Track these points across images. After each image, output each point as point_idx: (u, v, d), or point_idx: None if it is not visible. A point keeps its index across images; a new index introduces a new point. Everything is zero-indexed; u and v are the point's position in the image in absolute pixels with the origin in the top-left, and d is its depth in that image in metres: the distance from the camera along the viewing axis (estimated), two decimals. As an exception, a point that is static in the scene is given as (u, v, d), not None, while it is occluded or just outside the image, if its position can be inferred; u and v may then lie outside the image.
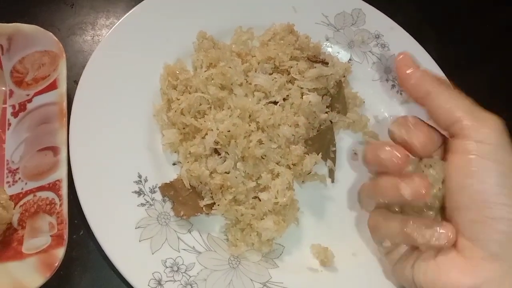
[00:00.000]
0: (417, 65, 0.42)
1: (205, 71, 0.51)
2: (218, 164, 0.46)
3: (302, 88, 0.52)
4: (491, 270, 0.35)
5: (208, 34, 0.56)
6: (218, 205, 0.46)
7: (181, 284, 0.42)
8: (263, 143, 0.47)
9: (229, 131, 0.46)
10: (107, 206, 0.44)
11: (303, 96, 0.51)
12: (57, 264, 0.40)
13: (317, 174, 0.51)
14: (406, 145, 0.40)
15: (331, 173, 0.52)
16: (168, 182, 0.47)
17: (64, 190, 0.43)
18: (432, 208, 0.40)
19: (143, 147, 0.49)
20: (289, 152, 0.49)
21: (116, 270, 0.42)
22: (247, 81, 0.51)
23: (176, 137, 0.49)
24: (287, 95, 0.51)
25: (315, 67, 0.53)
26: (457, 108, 0.38)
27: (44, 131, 0.47)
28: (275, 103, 0.50)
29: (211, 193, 0.47)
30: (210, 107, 0.49)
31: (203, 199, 0.47)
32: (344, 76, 0.56)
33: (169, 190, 0.47)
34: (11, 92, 0.51)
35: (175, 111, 0.49)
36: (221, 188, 0.46)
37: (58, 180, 0.44)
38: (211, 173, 0.46)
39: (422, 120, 0.41)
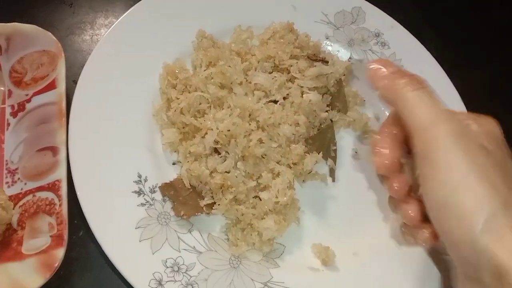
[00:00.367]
0: (390, 65, 0.43)
1: (204, 70, 0.51)
2: (218, 164, 0.46)
3: (302, 87, 0.51)
4: None
5: (208, 33, 0.56)
6: (219, 204, 0.46)
7: (182, 284, 0.42)
8: (263, 142, 0.47)
9: (229, 130, 0.46)
10: (107, 206, 0.44)
11: (303, 95, 0.51)
12: (57, 264, 0.40)
13: (318, 173, 0.51)
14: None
15: (332, 172, 0.52)
16: (168, 181, 0.47)
17: (63, 190, 0.43)
18: None
19: (142, 147, 0.48)
20: (290, 151, 0.49)
21: (116, 270, 0.42)
22: (247, 80, 0.51)
23: (176, 136, 0.49)
24: (287, 94, 0.51)
25: (315, 66, 0.53)
26: (417, 120, 0.39)
27: (43, 131, 0.47)
28: (275, 102, 0.50)
29: (211, 193, 0.47)
30: (210, 106, 0.49)
31: (203, 199, 0.46)
32: (344, 75, 0.56)
33: (169, 189, 0.47)
34: (10, 92, 0.51)
35: (175, 111, 0.49)
36: (221, 188, 0.46)
37: (57, 180, 0.44)
38: (211, 172, 0.46)
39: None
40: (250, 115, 0.48)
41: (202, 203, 0.46)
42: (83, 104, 0.48)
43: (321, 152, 0.50)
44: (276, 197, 0.46)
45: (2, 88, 0.51)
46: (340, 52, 0.60)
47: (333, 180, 0.52)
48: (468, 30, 0.70)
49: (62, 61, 0.48)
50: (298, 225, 0.49)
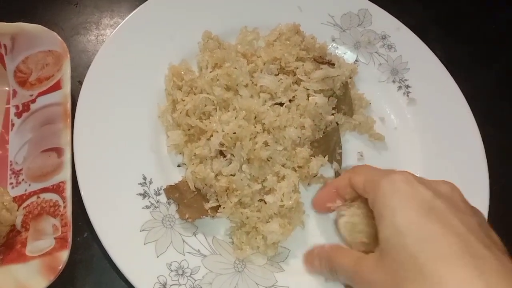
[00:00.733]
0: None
1: (210, 71, 0.51)
2: (224, 166, 0.46)
3: (308, 89, 0.51)
4: None
5: (214, 34, 0.55)
6: (223, 207, 0.45)
7: (186, 288, 0.42)
8: (268, 145, 0.47)
9: (234, 132, 0.46)
10: (112, 208, 0.44)
11: (309, 98, 0.50)
12: (61, 267, 0.40)
13: (323, 176, 0.51)
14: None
15: (337, 175, 0.52)
16: (173, 184, 0.47)
17: (68, 192, 0.43)
18: None
19: (147, 149, 0.48)
20: (295, 154, 0.48)
21: (121, 273, 0.41)
22: (252, 82, 0.50)
23: (181, 138, 0.48)
24: (293, 97, 0.51)
25: (321, 68, 0.52)
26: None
27: (48, 132, 0.47)
28: (281, 104, 0.50)
29: (216, 196, 0.46)
30: (216, 108, 0.49)
31: (208, 202, 0.46)
32: (350, 78, 0.55)
33: (174, 192, 0.46)
34: (15, 92, 0.50)
35: (180, 112, 0.49)
36: (226, 191, 0.46)
37: (62, 182, 0.44)
38: (216, 175, 0.46)
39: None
40: (255, 117, 0.48)
41: (207, 206, 0.46)
42: (88, 105, 0.48)
43: (327, 156, 0.50)
44: (281, 201, 0.45)
45: (6, 88, 0.51)
46: (346, 55, 0.60)
47: (339, 184, 0.52)
48: (473, 31, 0.70)
49: (67, 62, 0.48)
50: (303, 228, 0.48)
